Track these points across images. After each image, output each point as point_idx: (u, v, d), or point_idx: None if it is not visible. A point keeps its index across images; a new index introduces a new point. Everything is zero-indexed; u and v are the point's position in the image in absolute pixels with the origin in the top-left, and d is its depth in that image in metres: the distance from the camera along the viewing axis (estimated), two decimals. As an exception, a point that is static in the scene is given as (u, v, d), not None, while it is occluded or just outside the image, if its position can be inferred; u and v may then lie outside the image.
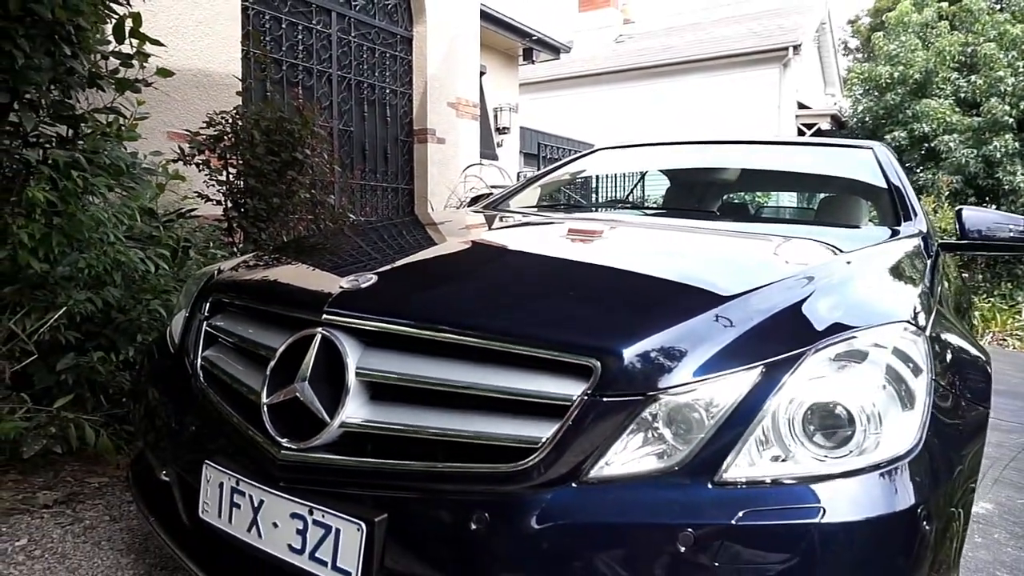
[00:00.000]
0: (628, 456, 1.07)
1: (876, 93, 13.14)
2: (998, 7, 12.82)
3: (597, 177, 9.49)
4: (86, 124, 2.45)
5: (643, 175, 4.63)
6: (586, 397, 1.08)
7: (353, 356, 1.22)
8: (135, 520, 2.05)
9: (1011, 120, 11.46)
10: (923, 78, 12.43)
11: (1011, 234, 2.27)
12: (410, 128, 6.20)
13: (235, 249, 3.45)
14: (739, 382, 1.09)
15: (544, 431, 1.08)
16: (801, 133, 14.36)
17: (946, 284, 2.11)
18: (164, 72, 2.56)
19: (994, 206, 11.19)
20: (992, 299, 9.01)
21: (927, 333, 1.26)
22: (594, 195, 10.18)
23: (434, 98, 6.18)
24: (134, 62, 2.49)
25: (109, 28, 2.44)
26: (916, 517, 1.02)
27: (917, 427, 1.09)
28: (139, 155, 2.70)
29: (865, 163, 2.66)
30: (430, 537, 1.10)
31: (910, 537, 1.02)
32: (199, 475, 1.34)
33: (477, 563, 1.07)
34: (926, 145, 12.26)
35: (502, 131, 9.08)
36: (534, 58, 9.52)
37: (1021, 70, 11.49)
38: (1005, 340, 8.07)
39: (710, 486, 1.03)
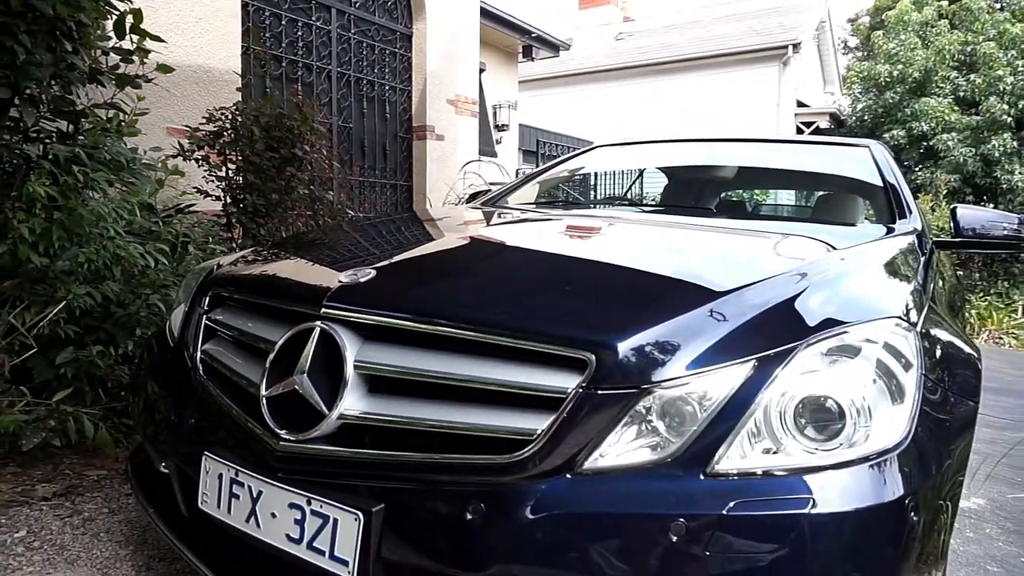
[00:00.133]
0: (622, 448, 1.09)
1: (875, 92, 13.15)
2: (998, 6, 12.83)
3: (595, 174, 9.50)
4: (86, 119, 2.46)
5: (641, 172, 4.65)
6: (581, 390, 1.09)
7: (351, 349, 1.23)
8: (134, 512, 2.07)
9: (1010, 119, 11.47)
10: (922, 77, 12.44)
11: (1005, 232, 2.30)
12: (409, 125, 6.21)
13: (234, 244, 3.46)
14: (732, 376, 1.11)
15: (539, 423, 1.10)
16: (800, 131, 14.38)
17: (940, 282, 2.13)
18: (164, 68, 2.57)
19: (992, 205, 11.21)
20: (989, 297, 9.03)
21: (918, 329, 1.28)
22: (592, 192, 10.19)
23: (433, 95, 6.19)
24: (134, 58, 2.50)
25: (110, 24, 2.46)
26: (904, 508, 1.04)
27: (906, 421, 1.11)
28: (139, 151, 2.71)
29: (861, 161, 2.68)
30: (426, 527, 1.12)
31: (898, 528, 1.04)
32: (198, 466, 1.35)
33: (473, 552, 1.08)
34: (925, 144, 12.27)
35: (501, 128, 9.09)
36: (534, 55, 9.52)
37: (1020, 69, 11.50)
38: (1001, 338, 8.09)
39: (702, 477, 1.05)
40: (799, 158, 3.10)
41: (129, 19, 2.45)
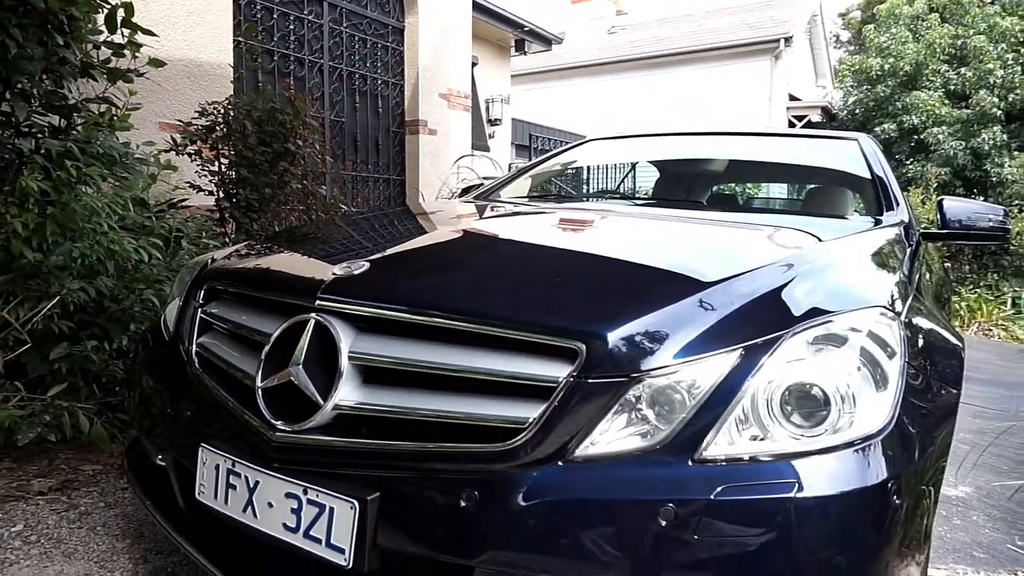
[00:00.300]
0: (612, 436, 1.11)
1: (867, 85, 13.22)
2: (988, 0, 12.89)
3: (587, 168, 9.52)
4: (79, 114, 2.46)
5: (633, 166, 4.67)
6: (572, 379, 1.11)
7: (346, 341, 1.25)
8: (130, 506, 2.08)
9: (999, 112, 11.56)
10: (913, 70, 12.51)
11: (990, 224, 2.33)
12: (402, 119, 6.20)
13: (227, 239, 3.46)
14: (719, 364, 1.13)
15: (531, 412, 1.12)
16: (792, 125, 14.42)
17: (927, 273, 2.16)
18: (156, 62, 2.57)
19: (982, 198, 11.29)
20: (979, 290, 9.09)
21: (902, 318, 1.31)
22: (585, 186, 10.21)
23: (426, 89, 6.19)
24: (126, 52, 2.51)
25: (101, 18, 2.45)
26: (887, 491, 1.06)
27: (890, 407, 1.14)
28: (131, 145, 2.71)
29: (850, 154, 2.71)
30: (421, 514, 1.14)
31: (882, 511, 1.06)
32: (195, 458, 1.37)
33: (467, 539, 1.10)
34: (915, 137, 12.35)
35: (494, 122, 9.09)
36: (526, 49, 9.52)
37: (1010, 63, 11.59)
38: (991, 330, 8.16)
39: (691, 463, 1.07)
40: (789, 151, 3.12)
41: (120, 13, 2.45)
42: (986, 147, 11.45)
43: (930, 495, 1.21)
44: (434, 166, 6.33)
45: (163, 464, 1.55)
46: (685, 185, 3.28)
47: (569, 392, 1.11)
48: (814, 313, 1.22)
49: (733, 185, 5.12)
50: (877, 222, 2.16)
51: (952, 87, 12.27)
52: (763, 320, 1.20)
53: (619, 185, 5.29)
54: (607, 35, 17.42)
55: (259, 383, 1.30)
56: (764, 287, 1.29)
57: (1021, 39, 11.69)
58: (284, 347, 1.30)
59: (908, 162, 12.40)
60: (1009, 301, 8.81)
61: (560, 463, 1.10)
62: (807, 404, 1.11)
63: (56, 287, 2.25)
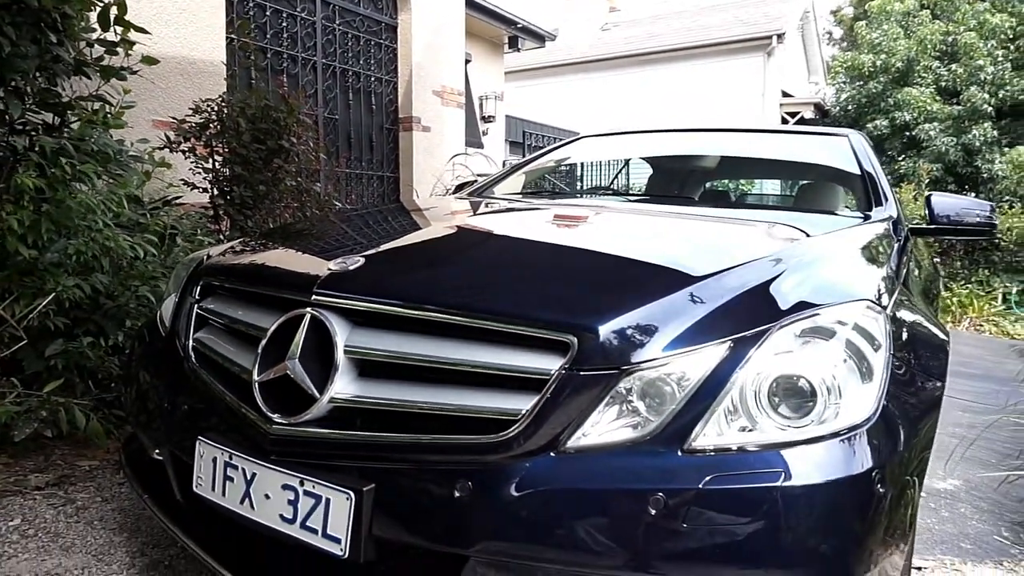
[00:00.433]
0: (604, 427, 1.13)
1: (859, 82, 13.28)
2: (978, -4, 12.96)
3: (581, 165, 9.54)
4: (72, 112, 2.46)
5: (627, 163, 4.69)
6: (563, 371, 1.14)
7: (342, 335, 1.27)
8: (127, 500, 2.09)
9: (990, 108, 11.64)
10: (905, 67, 12.58)
11: (978, 219, 2.36)
12: (395, 116, 6.21)
13: (222, 236, 3.47)
14: (708, 356, 1.15)
15: (524, 404, 1.14)
16: (785, 121, 14.47)
17: (916, 269, 2.19)
18: (149, 60, 2.58)
19: (973, 194, 11.36)
20: (970, 285, 9.16)
21: (888, 312, 1.33)
22: (578, 182, 10.23)
23: (419, 86, 6.19)
24: (119, 50, 2.51)
25: (94, 15, 2.46)
26: (872, 480, 1.09)
27: (874, 398, 1.16)
28: (125, 143, 2.72)
29: (840, 150, 2.73)
30: (416, 505, 1.16)
31: (866, 499, 1.09)
32: (192, 452, 1.38)
33: (461, 529, 1.13)
34: (907, 133, 12.42)
35: (487, 119, 9.09)
36: (520, 46, 9.51)
37: (1000, 59, 11.66)
38: (982, 325, 8.22)
39: (680, 454, 1.09)
40: (780, 147, 3.15)
41: (113, 10, 2.45)
42: (977, 143, 11.53)
43: (914, 485, 1.24)
44: (428, 163, 6.34)
45: (160, 458, 1.57)
46: (678, 181, 3.31)
47: (561, 384, 1.13)
48: (802, 306, 1.25)
49: (726, 181, 5.15)
50: (866, 217, 2.19)
51: (943, 83, 12.35)
52: (751, 313, 1.23)
53: (612, 181, 5.30)
54: (600, 32, 17.43)
55: (256, 377, 1.32)
56: (752, 281, 1.31)
57: (1011, 35, 11.78)
58: (280, 341, 1.32)
59: (900, 158, 12.47)
60: (1000, 297, 8.88)
61: (552, 454, 1.12)
62: (794, 395, 1.14)
63: (51, 284, 2.26)
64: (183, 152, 3.32)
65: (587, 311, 1.20)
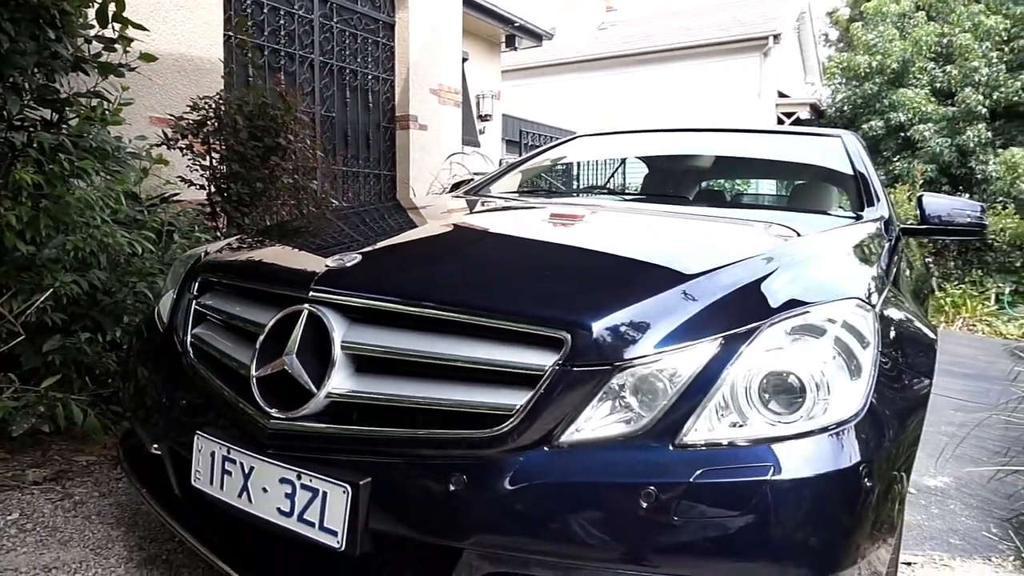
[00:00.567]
0: (597, 422, 1.15)
1: (855, 82, 13.32)
2: (974, -2, 13.02)
3: (577, 164, 9.56)
4: (70, 108, 2.47)
5: (623, 162, 4.71)
6: (557, 367, 1.15)
7: (339, 331, 1.29)
8: (124, 495, 2.11)
9: (984, 110, 11.70)
10: (900, 68, 12.62)
11: (968, 219, 2.39)
12: (392, 114, 6.22)
13: (219, 233, 3.48)
14: (700, 353, 1.17)
15: (518, 399, 1.16)
16: (781, 122, 14.51)
17: (906, 268, 2.22)
18: (147, 57, 2.59)
19: (967, 194, 11.43)
20: (963, 286, 9.22)
21: (877, 310, 1.35)
22: (574, 181, 10.25)
23: (416, 84, 6.20)
24: (117, 46, 2.52)
25: (92, 12, 2.47)
26: (859, 474, 1.11)
27: (863, 394, 1.18)
28: (123, 139, 2.73)
29: (834, 151, 2.76)
30: (412, 498, 1.18)
31: (854, 492, 1.11)
32: (191, 446, 1.40)
33: (456, 522, 1.14)
34: (902, 134, 12.47)
35: (484, 118, 9.10)
36: (517, 45, 9.52)
37: (995, 61, 11.71)
38: (975, 325, 8.27)
39: (672, 448, 1.11)
40: (775, 148, 3.17)
41: (111, 7, 2.46)
42: (971, 144, 11.58)
43: (901, 480, 1.26)
44: (425, 161, 6.35)
45: (158, 453, 1.58)
46: (673, 181, 3.33)
47: (555, 380, 1.15)
48: (792, 304, 1.27)
49: (721, 181, 5.17)
50: (858, 217, 2.21)
51: (938, 84, 12.40)
52: (743, 311, 1.25)
53: (608, 181, 5.32)
54: (597, 31, 17.45)
55: (254, 372, 1.34)
56: (744, 279, 1.33)
57: (1005, 37, 11.83)
58: (278, 337, 1.34)
59: (895, 159, 12.52)
60: (993, 297, 8.94)
61: (546, 448, 1.14)
62: (784, 391, 1.16)
63: (49, 280, 2.27)
64: (180, 149, 3.33)
65: (581, 308, 1.22)
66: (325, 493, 1.20)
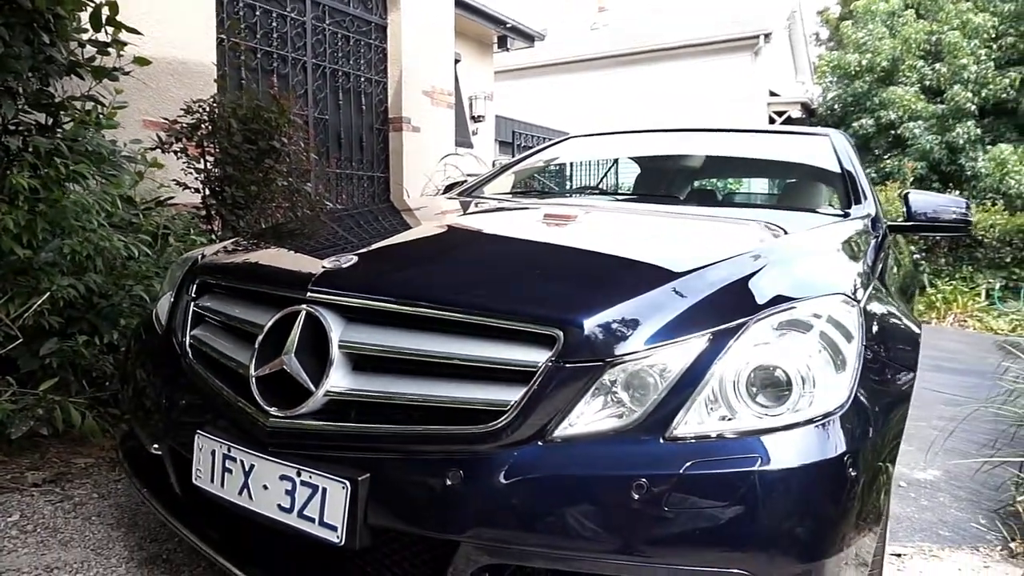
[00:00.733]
0: (589, 417, 1.18)
1: (845, 81, 13.41)
2: (962, -4, 13.11)
3: (569, 164, 9.59)
4: (65, 112, 2.49)
5: (615, 162, 4.74)
6: (550, 364, 1.18)
7: (336, 330, 1.31)
8: (123, 496, 2.13)
9: (973, 107, 11.79)
10: (890, 66, 12.71)
11: (954, 216, 2.43)
12: (385, 116, 6.24)
13: (214, 236, 3.49)
14: (689, 348, 1.20)
15: (513, 395, 1.19)
16: (772, 120, 14.60)
17: (895, 265, 2.25)
18: (141, 60, 2.60)
19: (957, 192, 11.50)
20: (954, 282, 9.27)
21: (862, 305, 1.39)
22: (567, 182, 10.28)
23: (409, 86, 6.22)
24: (111, 50, 2.53)
25: (86, 16, 2.48)
26: (844, 464, 1.14)
27: (847, 387, 1.21)
28: (118, 143, 2.74)
29: (822, 150, 2.80)
30: (409, 493, 1.21)
31: (839, 482, 1.14)
32: (191, 446, 1.42)
33: (453, 515, 1.17)
34: (892, 132, 12.55)
35: (477, 119, 9.13)
36: (509, 46, 9.55)
37: (983, 58, 11.81)
38: (966, 321, 8.34)
39: (662, 441, 1.14)
40: (764, 147, 3.21)
41: (105, 11, 2.47)
42: (961, 141, 11.68)
43: (886, 471, 1.29)
44: (418, 163, 6.37)
45: (158, 453, 1.60)
46: (664, 181, 3.36)
47: (548, 376, 1.18)
48: (779, 300, 1.30)
49: (713, 180, 5.21)
50: (845, 215, 2.25)
51: (927, 82, 12.49)
52: (731, 307, 1.28)
53: (600, 181, 5.36)
54: (589, 31, 17.50)
55: (253, 371, 1.36)
56: (732, 276, 1.36)
57: (994, 35, 11.93)
58: (276, 337, 1.36)
59: (886, 157, 12.60)
60: (983, 293, 9.00)
61: (540, 443, 1.17)
62: (771, 385, 1.19)
63: (46, 283, 2.29)
64: (175, 152, 3.34)
65: (572, 306, 1.25)
66: (325, 489, 1.23)
